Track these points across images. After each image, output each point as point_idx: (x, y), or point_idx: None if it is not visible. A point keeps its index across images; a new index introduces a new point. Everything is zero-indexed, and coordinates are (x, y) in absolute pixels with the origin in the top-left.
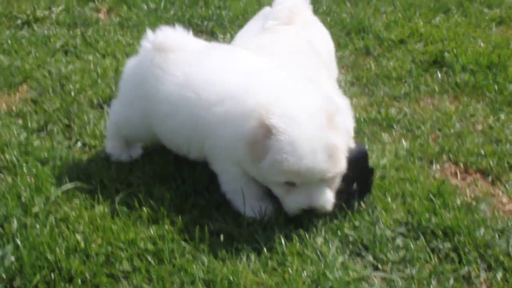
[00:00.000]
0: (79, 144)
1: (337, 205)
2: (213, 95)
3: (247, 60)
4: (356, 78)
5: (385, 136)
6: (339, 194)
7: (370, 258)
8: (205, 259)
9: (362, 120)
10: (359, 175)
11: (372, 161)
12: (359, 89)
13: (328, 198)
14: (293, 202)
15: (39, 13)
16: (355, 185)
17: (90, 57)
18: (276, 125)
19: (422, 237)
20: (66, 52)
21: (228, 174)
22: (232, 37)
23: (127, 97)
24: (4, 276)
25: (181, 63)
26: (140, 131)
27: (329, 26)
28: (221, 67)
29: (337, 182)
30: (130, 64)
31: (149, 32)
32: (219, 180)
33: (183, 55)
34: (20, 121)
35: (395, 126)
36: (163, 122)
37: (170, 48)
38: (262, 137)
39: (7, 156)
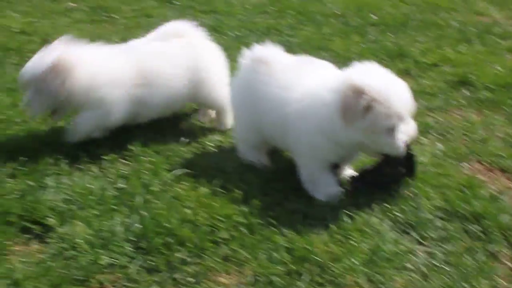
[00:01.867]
0: (187, 140)
1: (390, 181)
2: (297, 95)
3: (329, 69)
4: None
5: (423, 140)
6: (390, 175)
7: (415, 235)
8: (286, 231)
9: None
10: (404, 160)
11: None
12: None
13: (414, 127)
14: (400, 141)
15: None
16: (402, 169)
17: None
18: (367, 84)
19: (456, 220)
20: None
21: (307, 167)
22: None
23: (239, 106)
24: (132, 238)
25: (281, 71)
26: (253, 131)
27: (376, 52)
28: (308, 74)
29: None
30: (235, 81)
31: (245, 51)
32: (299, 171)
33: (282, 64)
34: None
35: (431, 132)
36: (265, 117)
37: (269, 60)
38: (357, 97)
39: (132, 148)
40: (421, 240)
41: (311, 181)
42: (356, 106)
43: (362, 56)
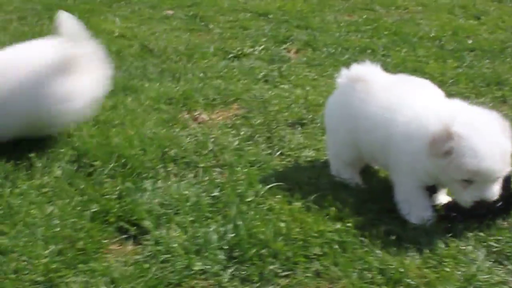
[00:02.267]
0: (278, 153)
1: (484, 216)
2: (404, 117)
3: (429, 89)
4: None
5: None
6: (486, 208)
7: (511, 267)
8: (379, 252)
9: None
10: (503, 195)
11: None
12: None
13: (496, 191)
14: (469, 196)
15: (246, 50)
16: (499, 204)
17: (285, 87)
18: (458, 131)
19: None
20: (266, 81)
21: (403, 186)
22: None
23: (334, 124)
24: (226, 246)
25: (382, 89)
26: (349, 148)
27: (473, 78)
28: (412, 94)
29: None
30: (332, 99)
31: (343, 70)
32: (395, 190)
33: (381, 83)
34: (234, 131)
35: None
36: (365, 135)
37: (367, 78)
38: (444, 139)
39: (226, 156)
40: None
41: (406, 201)
42: (440, 146)
43: (458, 80)
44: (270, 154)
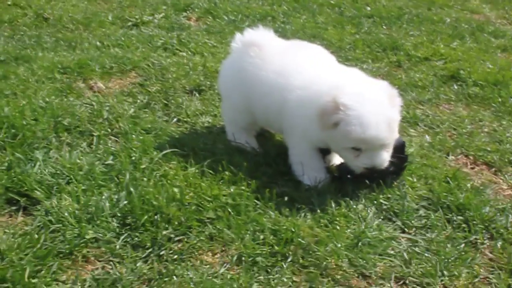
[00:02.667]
0: (174, 119)
1: (375, 179)
2: (298, 82)
3: (322, 55)
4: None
5: (412, 131)
6: (378, 173)
7: (399, 223)
8: (272, 214)
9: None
10: (396, 160)
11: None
12: None
13: (385, 158)
14: (360, 163)
15: (145, 18)
16: (391, 167)
17: (184, 54)
18: (345, 102)
19: (440, 210)
20: (165, 49)
21: (297, 148)
22: None
23: (229, 89)
24: (119, 214)
25: (276, 54)
26: (244, 112)
27: (370, 44)
28: (306, 60)
29: (391, 148)
30: (226, 64)
31: (237, 35)
32: (289, 152)
33: (275, 48)
34: (130, 99)
35: (420, 124)
36: (259, 100)
37: (261, 43)
38: (331, 111)
39: (121, 124)
40: (404, 228)
41: (299, 163)
42: (328, 118)
43: (356, 46)
44: (166, 121)
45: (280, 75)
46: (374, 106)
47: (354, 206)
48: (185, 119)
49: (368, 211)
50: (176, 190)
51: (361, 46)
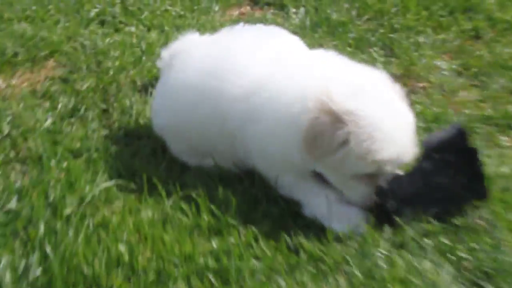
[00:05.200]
0: (120, 134)
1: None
2: (237, 89)
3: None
4: (463, 67)
5: (503, 139)
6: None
7: None
8: (283, 283)
9: (472, 118)
10: (459, 161)
11: (488, 169)
12: (467, 81)
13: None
14: (367, 192)
15: None
16: (462, 178)
17: (132, 29)
18: (348, 108)
19: None
20: (102, 23)
21: (285, 183)
22: (307, 12)
23: (165, 127)
24: None
25: (207, 51)
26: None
27: (429, 3)
28: (251, 49)
29: None
30: (156, 96)
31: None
32: (281, 192)
33: (205, 45)
34: (46, 104)
35: None
36: (196, 125)
37: (187, 47)
38: (330, 128)
39: (31, 144)
40: None
41: (307, 202)
42: (330, 140)
43: (406, 8)
44: (106, 137)
45: (212, 77)
46: (388, 106)
47: (417, 264)
48: (135, 133)
49: (441, 272)
50: (122, 248)
51: (415, 7)
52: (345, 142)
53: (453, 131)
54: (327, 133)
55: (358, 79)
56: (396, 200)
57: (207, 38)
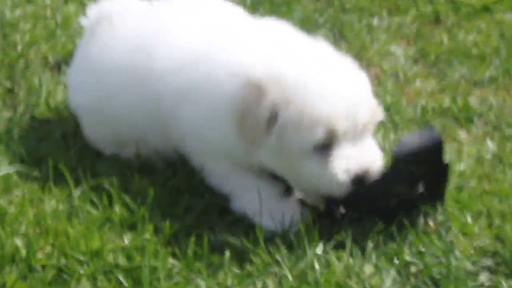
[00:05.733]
0: (25, 116)
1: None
2: (169, 62)
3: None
4: (421, 54)
5: (462, 134)
6: (399, 199)
7: None
8: (203, 284)
9: (430, 110)
10: (427, 173)
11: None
12: (424, 69)
13: (377, 150)
14: (339, 169)
15: None
16: (421, 187)
17: (47, 1)
18: (271, 74)
19: None
20: None
21: (220, 174)
22: None
23: (80, 98)
24: None
25: (135, 23)
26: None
27: None
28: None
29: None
30: (74, 60)
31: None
32: (210, 182)
33: (134, 15)
34: None
35: (476, 121)
36: (119, 103)
37: (113, 14)
38: (254, 103)
39: None
40: None
41: (237, 195)
42: (255, 116)
43: None
44: (10, 119)
45: (140, 51)
46: (338, 73)
47: (357, 270)
48: (45, 115)
49: (384, 277)
50: (18, 241)
51: None
52: (273, 114)
53: (429, 141)
54: (253, 110)
55: (297, 49)
56: (349, 205)
57: (144, 4)
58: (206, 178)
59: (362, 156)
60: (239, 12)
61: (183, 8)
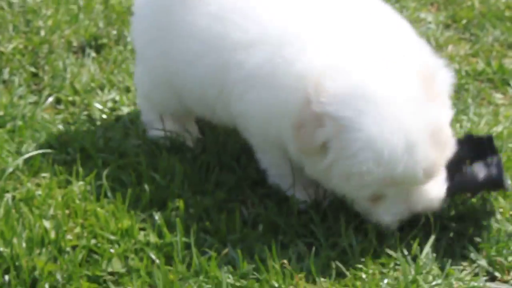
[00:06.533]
0: (50, 99)
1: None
2: (243, 35)
3: None
4: (452, 19)
5: (498, 96)
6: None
7: (483, 263)
8: (236, 258)
9: (463, 74)
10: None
11: (481, 128)
12: (456, 33)
13: (436, 194)
14: (387, 215)
15: None
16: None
17: None
18: (334, 113)
19: None
20: None
21: (268, 155)
22: None
23: (143, 42)
24: None
25: None
26: (163, 87)
27: None
28: None
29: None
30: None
31: None
32: (258, 156)
33: None
34: None
35: None
36: (186, 68)
37: None
38: (311, 124)
39: None
40: (494, 272)
41: (279, 175)
42: (309, 135)
43: None
44: (35, 103)
45: (218, 20)
46: (397, 111)
47: (394, 236)
48: (69, 98)
49: (422, 243)
50: (47, 224)
51: None
52: (325, 145)
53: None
54: (308, 129)
55: (370, 66)
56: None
57: None
58: (256, 154)
59: (410, 202)
60: None
61: None
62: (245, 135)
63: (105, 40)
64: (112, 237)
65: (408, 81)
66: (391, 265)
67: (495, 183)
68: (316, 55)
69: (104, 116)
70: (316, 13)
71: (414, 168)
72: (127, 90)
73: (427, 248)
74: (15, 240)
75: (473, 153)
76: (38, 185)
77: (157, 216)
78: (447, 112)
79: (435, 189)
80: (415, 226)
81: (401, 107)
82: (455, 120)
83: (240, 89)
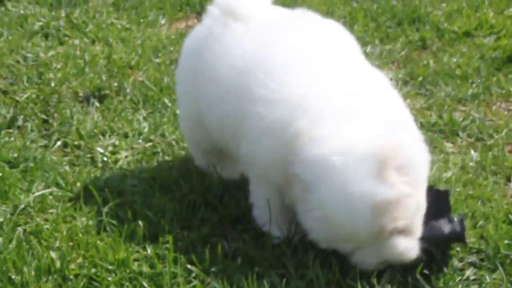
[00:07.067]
0: (58, 143)
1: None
2: (263, 92)
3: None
4: (409, 76)
5: (448, 145)
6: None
7: None
8: (218, 287)
9: (418, 125)
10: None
11: (432, 174)
12: (413, 89)
13: (406, 246)
14: (362, 262)
15: None
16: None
17: (76, 42)
18: (301, 176)
19: (500, 269)
20: (46, 36)
21: (263, 188)
22: None
23: (182, 85)
24: None
25: (243, 38)
26: (196, 127)
27: (376, 15)
28: (301, 45)
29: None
30: (187, 43)
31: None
32: (250, 188)
33: (258, 22)
34: None
35: (460, 134)
36: (210, 109)
37: (242, 11)
38: (292, 180)
39: None
40: None
41: (263, 207)
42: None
43: (353, 20)
44: (45, 147)
45: (241, 72)
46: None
47: (355, 268)
48: (75, 143)
49: (379, 274)
50: (53, 254)
51: (362, 19)
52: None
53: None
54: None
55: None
56: None
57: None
58: (251, 185)
59: (381, 254)
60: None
61: (305, 36)
62: (246, 168)
63: (107, 91)
64: (110, 267)
65: (366, 160)
66: None
67: (459, 238)
68: (309, 121)
69: (105, 158)
70: (328, 84)
71: (355, 230)
72: (126, 136)
73: (383, 280)
74: (25, 269)
75: (434, 205)
76: (46, 220)
77: (149, 249)
78: (399, 190)
79: (405, 243)
80: None
81: (351, 181)
82: None
83: (254, 135)
